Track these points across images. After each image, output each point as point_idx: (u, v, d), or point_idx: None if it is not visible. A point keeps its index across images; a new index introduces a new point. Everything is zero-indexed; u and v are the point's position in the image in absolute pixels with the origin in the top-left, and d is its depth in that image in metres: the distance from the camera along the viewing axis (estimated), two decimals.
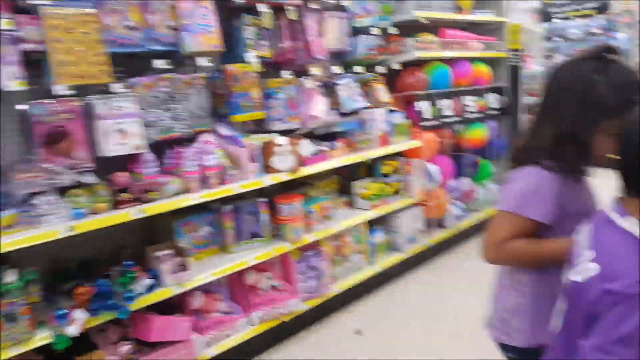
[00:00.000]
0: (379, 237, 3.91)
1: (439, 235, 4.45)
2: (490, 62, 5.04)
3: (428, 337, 3.21)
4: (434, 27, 4.39)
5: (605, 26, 7.50)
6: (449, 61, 4.48)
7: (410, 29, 4.20)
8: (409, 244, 4.10)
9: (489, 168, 5.18)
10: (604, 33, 7.49)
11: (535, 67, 5.54)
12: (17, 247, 2.03)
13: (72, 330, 2.13)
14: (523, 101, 5.24)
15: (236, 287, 2.99)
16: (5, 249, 2.00)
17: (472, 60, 4.77)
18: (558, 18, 7.94)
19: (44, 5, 2.18)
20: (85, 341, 2.35)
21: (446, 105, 4.43)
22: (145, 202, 2.43)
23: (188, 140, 2.76)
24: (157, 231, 2.87)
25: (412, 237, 4.13)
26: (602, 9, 7.57)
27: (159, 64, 2.62)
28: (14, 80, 2.15)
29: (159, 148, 2.68)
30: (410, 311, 3.54)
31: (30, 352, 2.12)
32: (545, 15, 7.81)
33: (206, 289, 2.84)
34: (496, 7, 5.09)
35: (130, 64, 2.55)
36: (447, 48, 4.37)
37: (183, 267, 2.59)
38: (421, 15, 3.98)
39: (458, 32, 4.65)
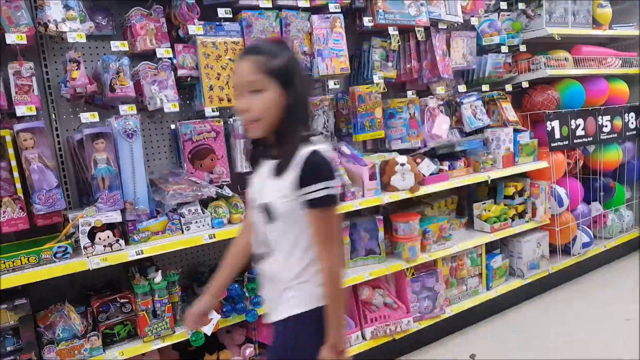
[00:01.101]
0: (498, 261, 3.78)
1: (563, 263, 4.18)
2: (630, 79, 4.64)
3: None
4: (567, 43, 4.16)
5: None
6: (583, 78, 4.21)
7: (542, 45, 4.02)
8: (530, 270, 3.92)
9: (623, 193, 4.77)
10: None
11: None
12: (168, 250, 2.31)
13: (208, 329, 2.36)
14: None
15: (350, 302, 3.08)
16: (158, 251, 2.28)
17: (608, 77, 4.43)
18: None
19: (199, 35, 2.45)
20: (213, 341, 2.58)
21: (578, 125, 4.16)
22: None
23: None
24: None
25: (534, 263, 3.94)
26: None
27: None
28: (169, 103, 2.44)
29: None
30: (529, 339, 3.38)
31: (167, 348, 2.39)
32: None
33: None
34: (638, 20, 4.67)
35: None
36: (581, 65, 4.11)
37: None
38: (555, 31, 3.79)
39: (594, 48, 4.35)
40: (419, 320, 3.24)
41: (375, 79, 3.04)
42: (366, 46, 3.10)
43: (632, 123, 4.61)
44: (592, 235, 4.44)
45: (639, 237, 4.90)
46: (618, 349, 3.16)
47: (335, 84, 2.86)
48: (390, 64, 3.12)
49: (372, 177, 2.99)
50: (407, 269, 3.17)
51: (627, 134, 4.56)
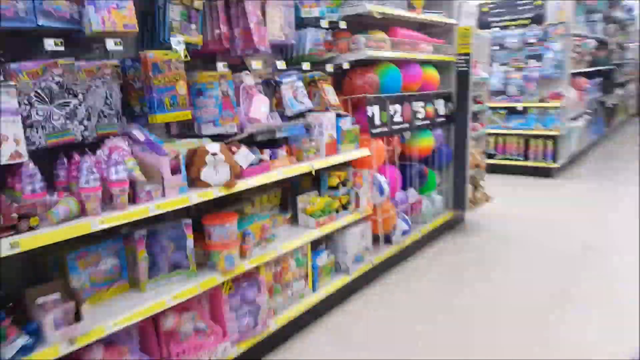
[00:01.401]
0: (324, 258, 3.43)
1: (385, 252, 4.06)
2: (439, 66, 4.72)
3: None
4: (384, 25, 3.98)
5: (540, 36, 7.53)
6: (399, 63, 4.09)
7: (360, 25, 3.77)
8: (356, 263, 3.66)
9: (435, 178, 4.90)
10: (539, 43, 7.52)
11: (482, 74, 5.29)
12: None
13: None
14: (471, 108, 4.97)
15: (150, 334, 2.37)
16: None
17: (422, 63, 4.42)
18: (498, 27, 7.89)
19: None
20: None
21: (396, 111, 4.03)
22: (22, 232, 1.77)
23: (89, 146, 2.12)
24: (43, 267, 2.19)
25: (358, 256, 3.70)
26: (537, 20, 7.60)
27: (50, 45, 1.96)
28: None
29: (48, 157, 2.02)
30: (358, 342, 3.11)
31: None
32: (483, 24, 7.70)
33: (110, 340, 2.19)
34: (447, 8, 4.79)
35: (10, 44, 1.88)
36: (398, 48, 3.97)
37: (75, 316, 1.94)
38: (374, 9, 3.53)
39: (409, 32, 4.28)
40: (239, 342, 2.69)
41: (174, 43, 2.33)
42: (161, 1, 2.38)
43: (442, 110, 4.71)
44: (409, 222, 4.41)
45: (448, 221, 5.10)
46: (436, 337, 3.15)
47: (116, 45, 2.09)
48: (193, 26, 2.45)
49: (175, 170, 2.31)
50: (224, 282, 2.58)
51: (438, 120, 4.64)
